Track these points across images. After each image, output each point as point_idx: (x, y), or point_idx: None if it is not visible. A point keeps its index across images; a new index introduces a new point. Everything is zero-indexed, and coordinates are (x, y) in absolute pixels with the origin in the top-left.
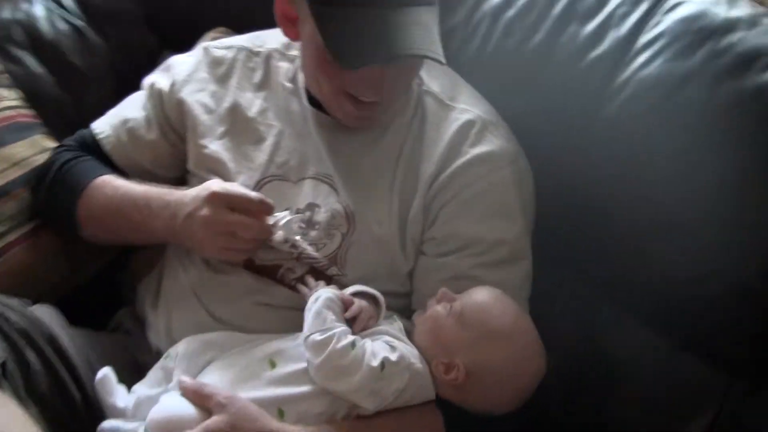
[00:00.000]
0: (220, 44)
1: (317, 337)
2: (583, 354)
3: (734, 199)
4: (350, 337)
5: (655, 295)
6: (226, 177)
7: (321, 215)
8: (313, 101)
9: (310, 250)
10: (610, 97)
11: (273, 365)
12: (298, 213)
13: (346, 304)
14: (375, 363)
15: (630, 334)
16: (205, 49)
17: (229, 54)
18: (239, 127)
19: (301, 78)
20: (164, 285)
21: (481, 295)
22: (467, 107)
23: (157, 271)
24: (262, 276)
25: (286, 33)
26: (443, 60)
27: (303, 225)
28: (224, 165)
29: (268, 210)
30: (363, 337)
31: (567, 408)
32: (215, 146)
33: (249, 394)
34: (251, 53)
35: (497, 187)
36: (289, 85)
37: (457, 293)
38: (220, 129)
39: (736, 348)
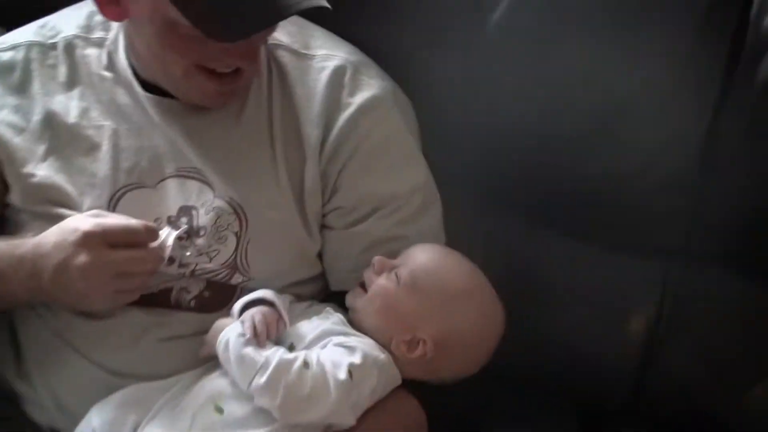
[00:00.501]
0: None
1: (260, 380)
2: (518, 275)
3: (665, 93)
4: (298, 357)
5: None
6: (69, 204)
7: (203, 218)
8: (148, 86)
9: (202, 262)
10: None
11: (220, 411)
12: (170, 223)
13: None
14: (342, 375)
15: (561, 244)
16: None
17: (18, 55)
18: (63, 139)
19: (122, 63)
20: (22, 343)
21: (425, 256)
22: (328, 52)
23: (5, 326)
24: (153, 307)
25: (106, 13)
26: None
27: (184, 235)
28: (61, 190)
29: (154, 235)
30: (308, 347)
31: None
32: (43, 171)
33: None
34: (45, 47)
35: (393, 133)
36: (107, 74)
37: None
38: (41, 148)
39: (672, 238)
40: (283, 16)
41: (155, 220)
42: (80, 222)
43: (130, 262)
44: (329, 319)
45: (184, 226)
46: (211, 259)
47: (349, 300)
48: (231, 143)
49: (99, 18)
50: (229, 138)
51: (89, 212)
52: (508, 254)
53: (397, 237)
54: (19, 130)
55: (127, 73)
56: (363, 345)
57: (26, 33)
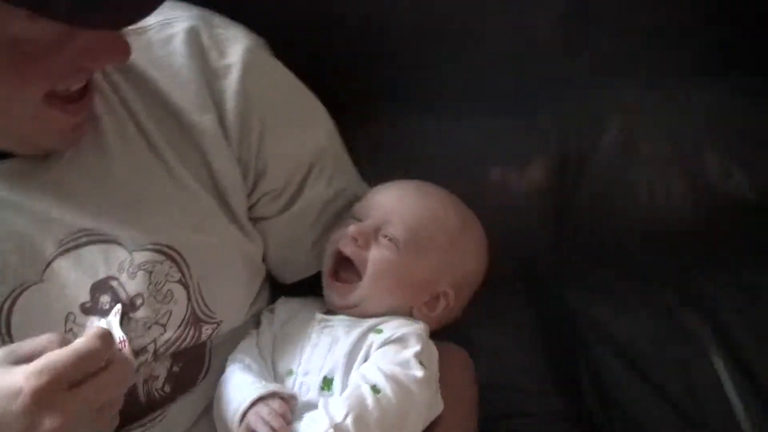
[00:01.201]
0: None
1: (348, 427)
2: None
3: None
4: (359, 387)
5: None
6: None
7: (131, 285)
8: None
9: (157, 335)
10: None
11: None
12: (90, 311)
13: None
14: (419, 372)
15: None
16: None
17: None
18: None
19: None
20: None
21: (406, 203)
22: (167, 19)
23: None
24: (129, 423)
25: None
26: None
27: (117, 313)
28: None
29: (109, 341)
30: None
31: None
32: None
33: None
34: None
35: (286, 79)
36: None
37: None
38: None
39: None
40: None
41: (66, 319)
42: (12, 379)
43: (103, 391)
44: (336, 328)
45: (117, 306)
46: (165, 327)
47: (338, 299)
48: (111, 179)
49: None
50: (105, 174)
51: (1, 355)
52: None
53: (339, 192)
54: None
55: None
56: (403, 328)
57: None
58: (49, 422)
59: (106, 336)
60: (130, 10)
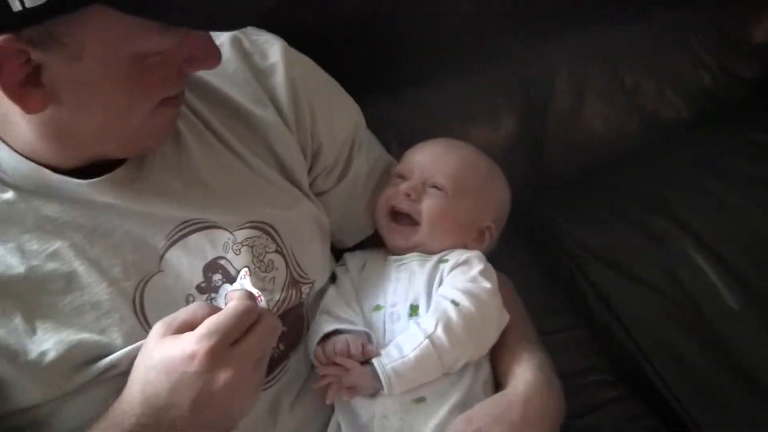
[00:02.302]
0: None
1: (444, 342)
2: None
3: None
4: (442, 304)
5: None
6: (103, 352)
7: (237, 260)
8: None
9: (269, 299)
10: None
11: (422, 399)
12: (203, 290)
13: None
14: (487, 284)
15: None
16: None
17: None
18: (29, 296)
19: (11, 171)
20: None
21: (441, 158)
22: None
23: None
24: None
25: (26, 105)
26: None
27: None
28: (83, 344)
29: (253, 297)
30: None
31: None
32: (47, 343)
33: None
34: None
35: (315, 68)
36: (8, 195)
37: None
38: (17, 321)
39: None
40: None
41: (186, 300)
42: (183, 346)
43: (260, 342)
44: (411, 264)
45: (243, 270)
46: (272, 292)
47: (402, 241)
48: (197, 176)
49: None
50: (192, 172)
51: (160, 329)
52: None
53: (378, 159)
54: None
55: (30, 176)
56: (465, 254)
57: None
58: (223, 376)
59: (251, 295)
60: (246, 11)
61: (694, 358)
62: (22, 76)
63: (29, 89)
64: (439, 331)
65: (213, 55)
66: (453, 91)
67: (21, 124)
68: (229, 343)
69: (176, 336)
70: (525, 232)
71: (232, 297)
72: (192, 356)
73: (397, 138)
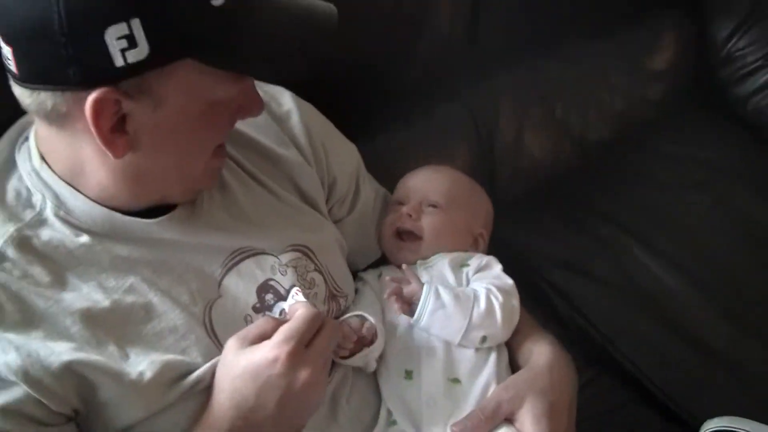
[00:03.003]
0: None
1: (480, 309)
2: None
3: None
4: (477, 292)
5: None
6: (187, 370)
7: (285, 281)
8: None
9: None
10: None
11: (457, 381)
12: (257, 310)
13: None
14: (509, 280)
15: None
16: None
17: None
18: (117, 325)
19: (85, 218)
20: None
21: (430, 180)
22: None
23: None
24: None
25: (113, 149)
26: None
27: (298, 291)
28: (170, 364)
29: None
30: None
31: None
32: (141, 365)
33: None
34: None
35: (317, 112)
36: (84, 239)
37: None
38: (112, 349)
39: None
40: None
41: (245, 320)
42: (264, 352)
43: (328, 342)
44: (436, 265)
45: (294, 288)
46: (315, 306)
47: (410, 254)
48: (240, 210)
49: (10, 198)
50: (235, 207)
51: (235, 344)
52: None
53: (378, 188)
54: (78, 348)
55: (102, 220)
56: (482, 258)
57: None
58: (303, 375)
59: (312, 304)
60: (296, 66)
61: (653, 336)
62: (111, 124)
63: (115, 136)
64: (482, 297)
65: (259, 105)
66: (415, 133)
67: (99, 171)
68: (304, 345)
69: (254, 346)
70: (489, 250)
71: (296, 308)
72: (275, 360)
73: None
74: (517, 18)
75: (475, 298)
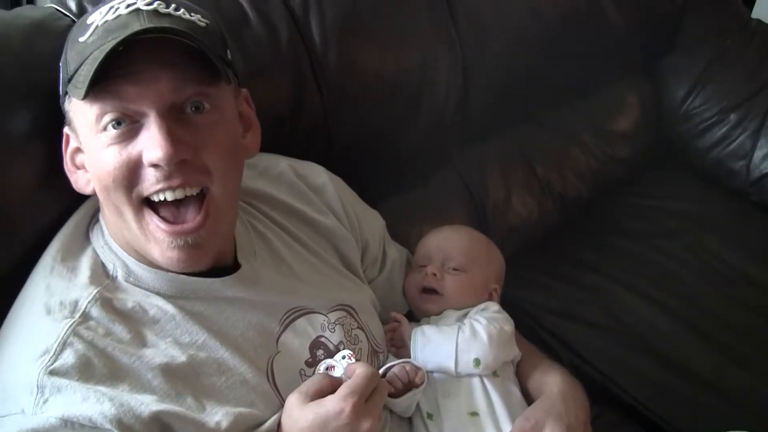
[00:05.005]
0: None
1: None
2: None
3: None
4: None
5: None
6: (257, 421)
7: (334, 337)
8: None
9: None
10: None
11: (476, 413)
12: (310, 365)
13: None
14: (504, 313)
15: None
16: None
17: (74, 350)
18: (192, 379)
19: (155, 279)
20: None
21: (450, 242)
22: (268, 165)
23: None
24: None
25: (78, 183)
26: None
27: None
28: (243, 415)
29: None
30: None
31: None
32: (217, 415)
33: None
34: (81, 325)
35: (347, 186)
36: (155, 300)
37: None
38: (189, 400)
39: None
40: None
41: (300, 374)
42: (331, 405)
43: (382, 397)
44: (449, 318)
45: (344, 351)
46: (358, 360)
47: (434, 307)
48: (290, 270)
49: (90, 268)
50: (285, 268)
51: (297, 399)
52: None
53: (401, 249)
54: (161, 399)
55: (170, 283)
56: (482, 304)
57: (48, 328)
58: (365, 425)
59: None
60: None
61: (646, 369)
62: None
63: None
64: (466, 327)
65: (155, 148)
66: (415, 200)
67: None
68: (365, 399)
69: (320, 400)
70: None
71: (353, 368)
72: (341, 411)
73: None
74: (501, 93)
75: (460, 327)
